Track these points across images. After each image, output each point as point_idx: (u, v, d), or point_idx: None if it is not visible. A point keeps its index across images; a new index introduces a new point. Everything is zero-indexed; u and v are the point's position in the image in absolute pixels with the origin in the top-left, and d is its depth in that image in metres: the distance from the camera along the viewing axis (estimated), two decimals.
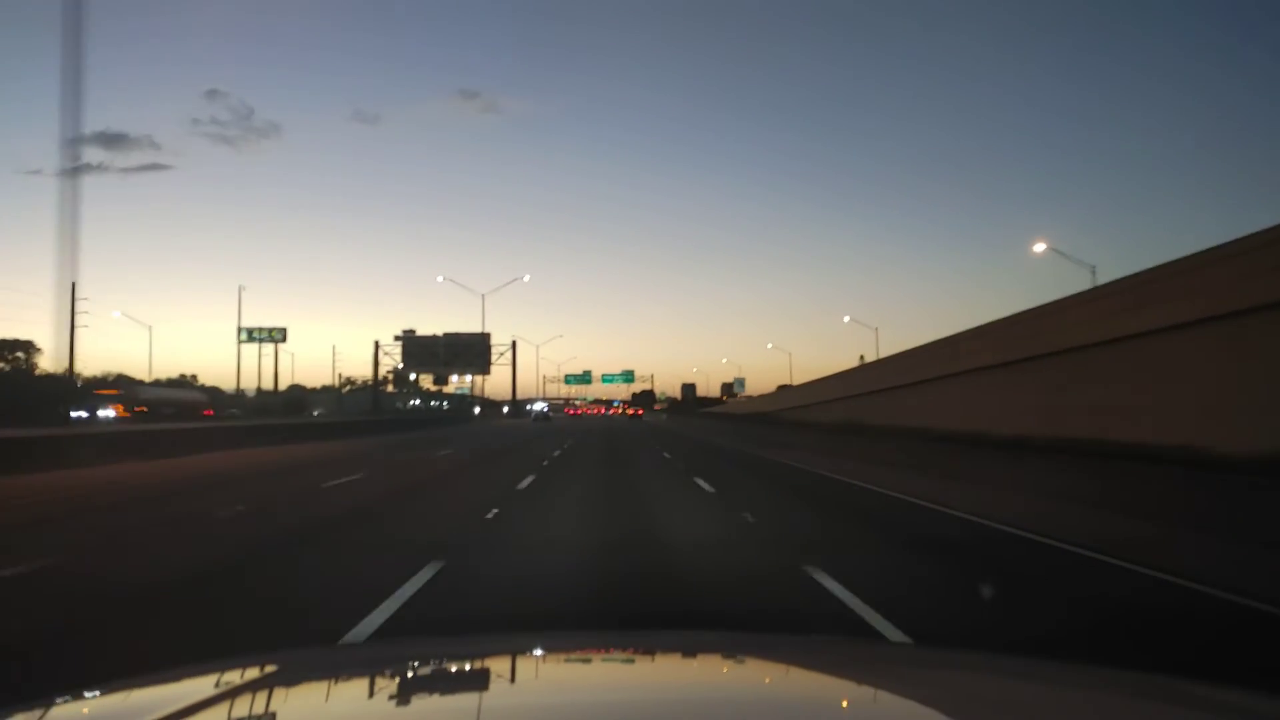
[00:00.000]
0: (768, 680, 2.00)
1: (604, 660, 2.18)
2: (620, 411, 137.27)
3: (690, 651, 2.24)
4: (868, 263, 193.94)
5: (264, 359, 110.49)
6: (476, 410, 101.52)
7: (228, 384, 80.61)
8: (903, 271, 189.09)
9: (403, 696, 1.83)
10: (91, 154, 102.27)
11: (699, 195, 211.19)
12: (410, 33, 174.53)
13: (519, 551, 8.31)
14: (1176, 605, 6.23)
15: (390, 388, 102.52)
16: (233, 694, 1.61)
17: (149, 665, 2.03)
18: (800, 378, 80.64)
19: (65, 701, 1.66)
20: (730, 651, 2.22)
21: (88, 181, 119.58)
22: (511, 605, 6.07)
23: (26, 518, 11.06)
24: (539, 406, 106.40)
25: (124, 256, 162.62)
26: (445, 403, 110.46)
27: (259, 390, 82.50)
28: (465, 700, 1.74)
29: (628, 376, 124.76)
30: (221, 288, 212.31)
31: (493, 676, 1.92)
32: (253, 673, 1.83)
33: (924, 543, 9.05)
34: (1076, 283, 38.09)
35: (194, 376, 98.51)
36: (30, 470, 16.88)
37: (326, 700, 1.74)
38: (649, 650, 2.26)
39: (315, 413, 79.16)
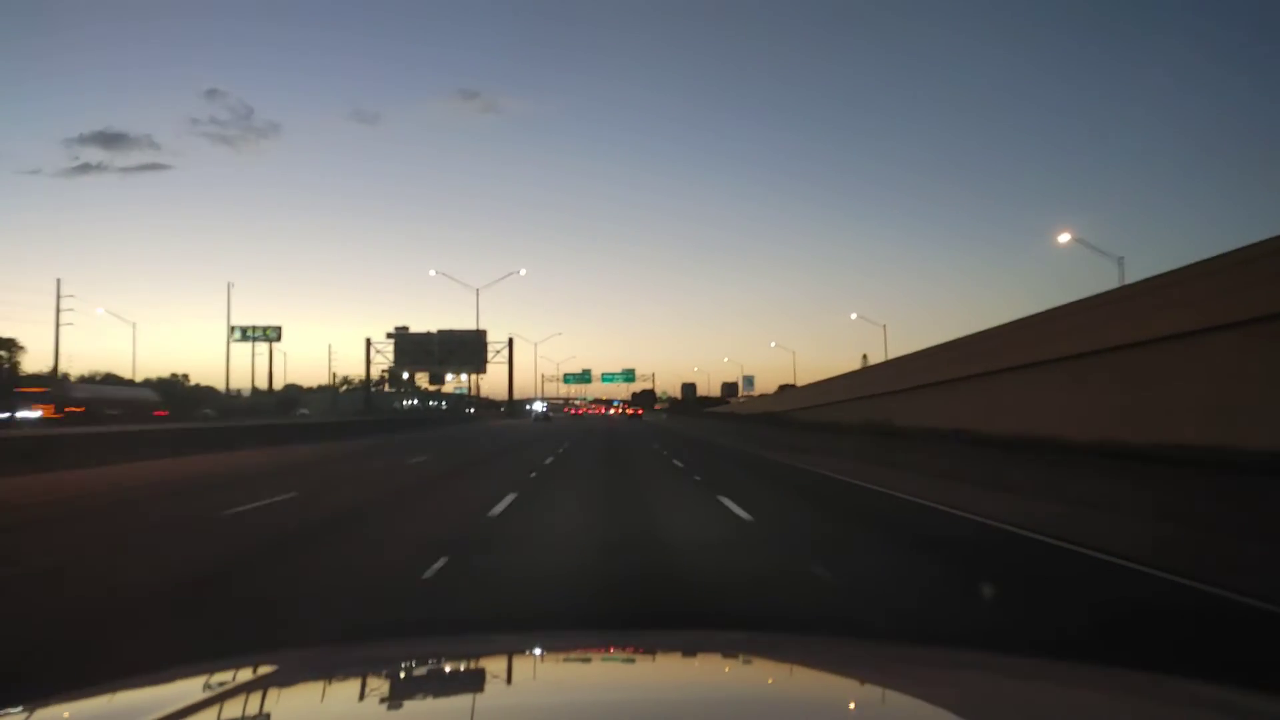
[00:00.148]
0: (771, 680, 1.96)
1: (604, 660, 2.13)
2: (620, 412, 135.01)
3: (691, 651, 2.22)
4: (870, 262, 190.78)
5: (259, 358, 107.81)
6: (470, 410, 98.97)
7: (224, 383, 77.47)
8: (905, 271, 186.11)
9: (403, 697, 1.77)
10: (91, 154, 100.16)
11: (699, 195, 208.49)
12: (410, 33, 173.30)
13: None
14: None
15: (387, 387, 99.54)
16: (231, 694, 1.60)
17: None
18: (804, 378, 78.07)
19: (65, 701, 1.63)
20: (732, 651, 2.24)
21: (87, 181, 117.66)
22: None
23: None
24: (539, 407, 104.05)
25: (123, 256, 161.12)
26: (443, 403, 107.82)
27: (254, 390, 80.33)
28: (465, 701, 1.70)
29: (628, 376, 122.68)
30: (219, 288, 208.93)
31: (491, 676, 1.87)
32: (251, 673, 1.83)
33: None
34: (1097, 277, 34.72)
35: (185, 376, 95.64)
36: None
37: (324, 700, 1.71)
38: (650, 650, 2.23)
39: (302, 413, 75.97)
